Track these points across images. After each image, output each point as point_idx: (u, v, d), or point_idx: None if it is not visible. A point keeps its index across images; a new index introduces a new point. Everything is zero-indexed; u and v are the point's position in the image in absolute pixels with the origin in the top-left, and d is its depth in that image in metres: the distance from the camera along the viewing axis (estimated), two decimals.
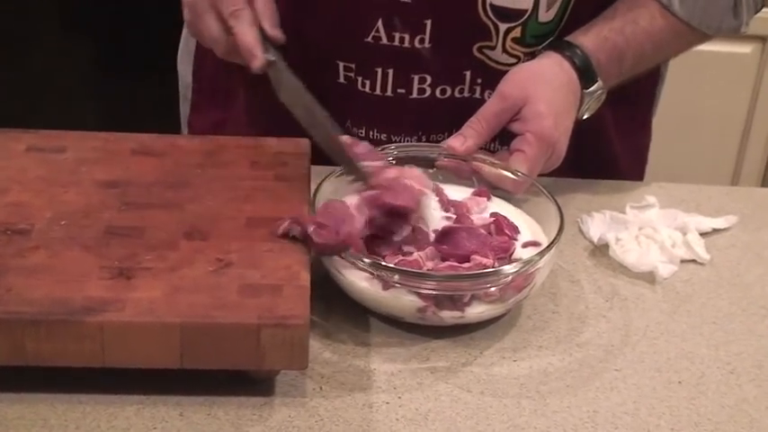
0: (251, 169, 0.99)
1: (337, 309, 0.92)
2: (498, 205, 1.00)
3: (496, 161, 1.02)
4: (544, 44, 1.09)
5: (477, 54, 1.09)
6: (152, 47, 1.51)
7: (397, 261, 0.89)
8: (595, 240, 1.06)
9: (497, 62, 1.09)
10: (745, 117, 2.41)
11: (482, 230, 0.93)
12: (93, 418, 0.80)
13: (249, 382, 0.83)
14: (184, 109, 1.27)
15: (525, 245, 0.94)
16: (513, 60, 1.09)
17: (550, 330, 0.93)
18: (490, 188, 1.01)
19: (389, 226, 0.91)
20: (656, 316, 0.97)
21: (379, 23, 1.07)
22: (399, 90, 1.11)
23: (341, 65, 1.11)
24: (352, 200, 0.93)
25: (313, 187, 0.97)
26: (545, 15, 1.07)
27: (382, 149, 1.02)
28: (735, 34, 1.13)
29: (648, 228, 1.06)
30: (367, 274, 0.89)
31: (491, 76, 1.06)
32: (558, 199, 0.98)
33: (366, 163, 0.96)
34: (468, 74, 1.10)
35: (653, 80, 1.23)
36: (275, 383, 0.84)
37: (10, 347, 0.78)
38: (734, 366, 0.91)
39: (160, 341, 0.79)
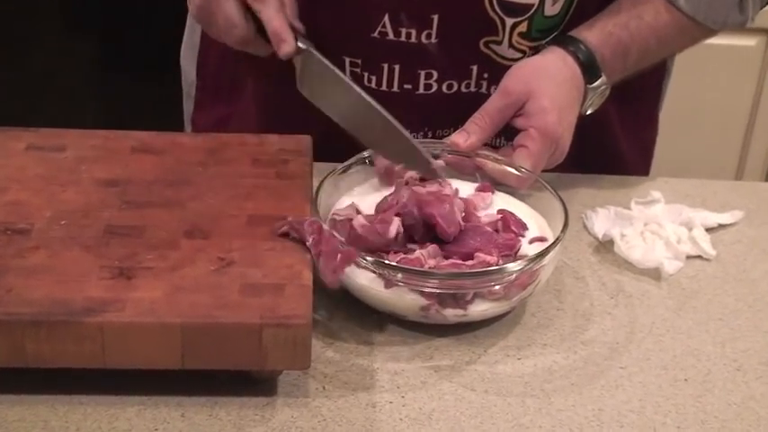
0: (252, 167, 0.98)
1: (339, 307, 0.91)
2: (503, 200, 0.99)
3: (500, 157, 1.01)
4: (549, 38, 1.08)
5: (483, 49, 1.08)
6: (154, 45, 1.50)
7: (398, 259, 0.88)
8: (600, 236, 1.05)
9: (503, 57, 1.08)
10: (750, 110, 2.40)
11: (488, 228, 0.92)
12: (95, 419, 0.79)
13: (251, 383, 0.82)
14: (188, 107, 1.26)
15: (532, 241, 0.93)
16: (519, 55, 1.08)
17: (555, 328, 0.93)
18: (494, 184, 1.00)
19: (413, 230, 0.91)
20: (662, 313, 0.96)
21: (386, 18, 1.06)
22: (406, 85, 1.10)
23: (347, 60, 1.10)
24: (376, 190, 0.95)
25: (315, 184, 0.96)
26: (551, 9, 1.06)
27: None
28: (740, 28, 1.11)
29: (654, 223, 1.05)
30: (369, 273, 0.88)
31: (497, 71, 1.05)
32: (562, 194, 0.97)
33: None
34: (474, 69, 1.09)
35: (659, 75, 1.22)
36: (278, 383, 0.83)
37: (10, 349, 0.77)
38: (740, 363, 0.90)
39: (161, 342, 0.78)
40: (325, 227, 0.88)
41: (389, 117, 0.97)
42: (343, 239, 0.89)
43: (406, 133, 0.97)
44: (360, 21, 1.07)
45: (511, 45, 1.08)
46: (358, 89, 0.97)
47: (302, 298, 0.81)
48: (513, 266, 0.87)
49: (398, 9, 1.06)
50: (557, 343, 0.91)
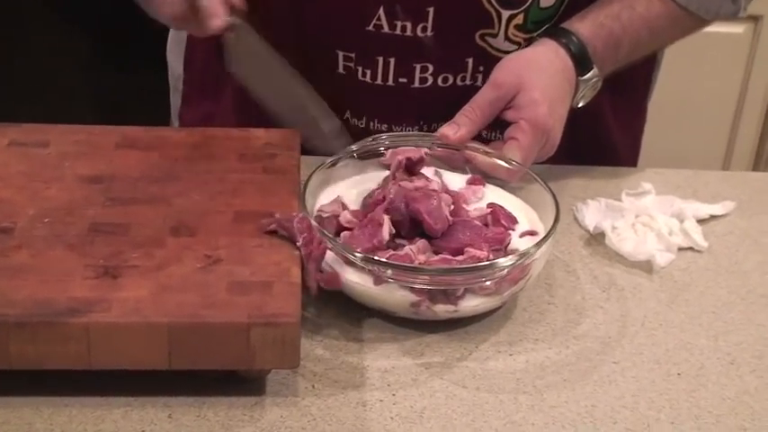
0: (239, 162, 0.97)
1: (328, 304, 0.90)
2: (494, 193, 0.98)
3: (490, 150, 1.00)
4: (547, 27, 1.07)
5: (479, 42, 1.07)
6: (139, 38, 1.48)
7: (388, 255, 0.87)
8: (591, 229, 1.04)
9: (498, 49, 1.07)
10: (737, 98, 2.39)
11: (477, 222, 0.91)
12: (80, 421, 0.78)
13: (239, 382, 0.81)
14: (175, 101, 1.25)
15: (522, 234, 0.92)
16: (514, 47, 1.07)
17: (546, 323, 0.92)
18: (484, 177, 0.99)
19: (400, 226, 0.90)
20: (654, 306, 0.95)
21: (381, 11, 1.05)
22: (401, 79, 1.09)
23: (340, 54, 1.08)
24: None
25: (303, 178, 0.95)
26: (546, 1, 1.05)
27: (374, 139, 1.00)
28: (732, 18, 1.10)
29: (645, 215, 1.04)
30: (358, 269, 0.87)
31: (493, 64, 1.04)
32: (552, 186, 0.96)
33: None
34: (470, 62, 1.08)
35: (649, 66, 1.21)
36: (266, 382, 0.82)
37: None
38: (734, 357, 0.89)
39: (147, 342, 0.77)
40: (314, 224, 0.86)
41: (320, 99, 0.94)
42: (331, 235, 0.88)
43: (335, 117, 0.95)
44: (354, 14, 1.06)
45: (506, 37, 1.06)
46: (291, 68, 0.94)
47: (291, 296, 0.79)
48: (505, 261, 0.86)
49: (393, 2, 1.04)
50: (548, 338, 0.90)
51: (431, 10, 1.04)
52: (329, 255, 0.87)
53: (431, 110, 1.10)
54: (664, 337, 0.91)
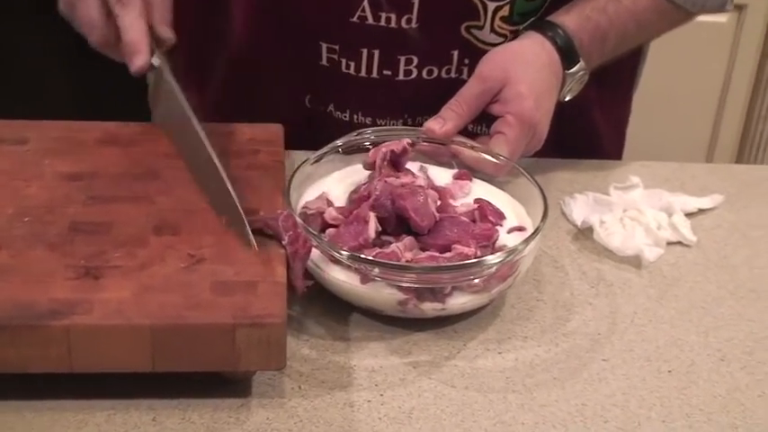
0: (222, 157, 0.95)
1: (314, 302, 0.89)
2: (481, 188, 0.97)
3: (476, 144, 0.99)
4: (528, 22, 1.05)
5: (464, 34, 1.06)
6: None
7: (374, 253, 0.85)
8: (579, 223, 1.03)
9: (484, 42, 1.06)
10: (721, 87, 2.39)
11: (464, 218, 0.90)
12: (62, 425, 0.76)
13: (224, 384, 0.80)
14: None
15: (510, 230, 0.91)
16: (500, 39, 1.06)
17: (535, 320, 0.90)
18: (471, 172, 0.98)
19: (386, 223, 0.88)
20: (644, 302, 0.94)
21: (365, 3, 1.03)
22: (385, 72, 1.07)
23: (324, 46, 1.07)
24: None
25: (287, 173, 0.93)
26: None
27: (358, 133, 0.99)
28: (719, 11, 1.10)
29: (633, 209, 1.03)
30: (344, 267, 0.85)
31: (478, 56, 1.03)
32: (540, 180, 0.95)
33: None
34: (455, 54, 1.07)
35: (635, 58, 1.20)
36: (252, 384, 0.81)
37: None
38: (724, 353, 0.88)
39: (130, 344, 0.75)
40: (299, 221, 0.85)
41: (224, 175, 0.86)
42: (316, 233, 0.86)
43: (236, 199, 0.85)
44: (338, 5, 1.04)
45: (492, 30, 1.05)
46: (202, 133, 0.89)
47: (276, 296, 0.78)
48: (493, 259, 0.84)
49: None
50: (538, 335, 0.89)
51: (416, 1, 1.03)
52: (315, 253, 0.85)
53: (415, 103, 1.09)
54: (654, 333, 0.90)
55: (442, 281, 0.84)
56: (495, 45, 1.05)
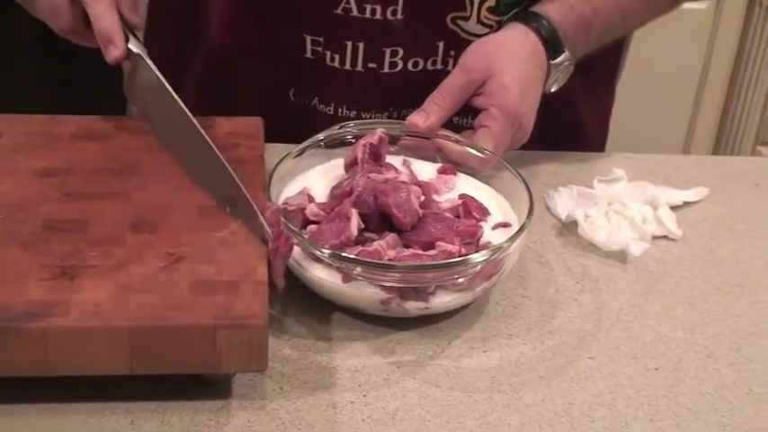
0: None
1: (294, 300, 0.87)
2: (466, 182, 0.95)
3: (461, 138, 0.97)
4: (512, 13, 1.04)
5: (450, 25, 1.04)
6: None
7: (357, 252, 0.83)
8: (563, 217, 1.02)
9: (470, 33, 1.04)
10: (700, 74, 2.38)
11: (448, 214, 0.88)
12: (38, 430, 0.74)
13: (204, 385, 0.78)
14: None
15: (495, 226, 0.90)
16: (486, 30, 1.04)
17: (520, 317, 0.89)
18: (455, 166, 0.96)
19: (368, 220, 0.87)
20: (629, 298, 0.93)
21: None
22: (370, 64, 1.05)
23: (308, 38, 1.05)
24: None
25: (268, 167, 0.91)
26: None
27: (341, 127, 0.97)
28: None
29: (618, 203, 1.02)
30: (326, 265, 0.83)
31: (464, 48, 1.01)
32: (523, 173, 0.94)
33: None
34: (440, 45, 1.05)
35: (618, 47, 1.19)
36: (232, 385, 0.79)
37: None
38: (711, 350, 0.87)
39: (108, 347, 0.73)
40: (282, 220, 0.83)
41: (217, 151, 0.86)
42: (297, 230, 0.85)
43: (234, 175, 0.85)
44: None
45: (479, 20, 1.03)
46: (187, 111, 0.87)
47: (257, 296, 0.76)
48: (478, 257, 0.83)
49: None
50: (523, 333, 0.87)
51: None
52: (296, 250, 0.84)
53: (401, 95, 1.07)
54: (640, 330, 0.89)
55: (425, 280, 0.82)
56: (481, 36, 1.03)
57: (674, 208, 1.04)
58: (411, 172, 0.94)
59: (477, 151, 0.96)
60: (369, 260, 0.82)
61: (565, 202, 1.03)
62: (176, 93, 0.89)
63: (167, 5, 1.04)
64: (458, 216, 0.90)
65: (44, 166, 0.89)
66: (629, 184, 1.06)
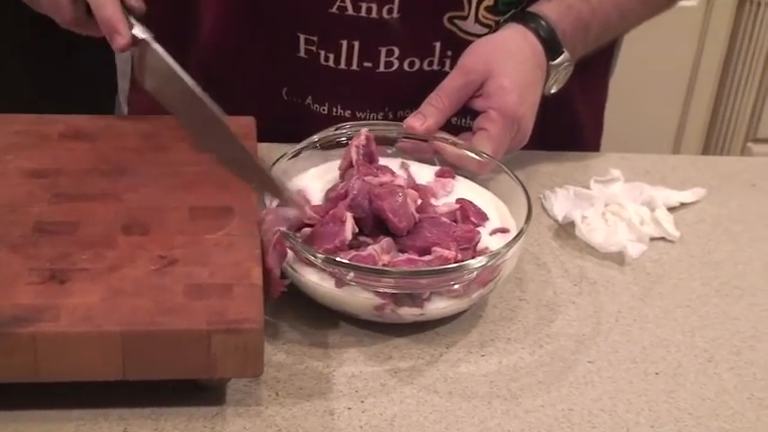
0: (193, 153, 0.91)
1: (288, 304, 0.85)
2: (464, 186, 0.94)
3: (459, 141, 0.95)
4: (511, 13, 1.02)
5: (447, 25, 1.02)
6: None
7: (350, 256, 0.82)
8: (560, 219, 1.00)
9: (468, 32, 1.02)
10: (690, 70, 2.38)
11: (445, 219, 0.87)
12: None
13: (198, 391, 0.76)
14: (123, 85, 1.18)
15: (493, 232, 0.88)
16: (485, 30, 1.03)
17: (518, 320, 0.88)
18: (454, 169, 0.95)
19: (363, 223, 0.85)
20: (628, 300, 0.91)
21: None
22: (366, 63, 1.04)
23: (302, 37, 1.03)
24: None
25: None
26: None
27: (336, 128, 0.95)
28: None
29: (614, 204, 1.01)
30: (319, 270, 0.82)
31: (461, 48, 0.99)
32: (519, 173, 0.93)
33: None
34: (437, 45, 1.03)
35: (611, 44, 1.17)
36: (227, 391, 0.77)
37: None
38: (711, 354, 0.86)
39: (100, 352, 0.71)
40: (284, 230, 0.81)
41: (231, 129, 0.85)
42: (291, 233, 0.83)
43: (253, 153, 0.85)
44: None
45: (477, 20, 1.02)
46: (200, 93, 0.85)
47: (252, 300, 0.75)
48: (474, 263, 0.81)
49: None
50: (521, 337, 0.86)
51: None
52: (289, 254, 0.82)
53: (396, 96, 1.05)
54: (639, 333, 0.88)
55: (420, 286, 0.81)
56: (479, 36, 1.01)
57: (670, 209, 1.03)
58: (409, 175, 0.93)
59: (476, 155, 0.94)
60: (362, 265, 0.80)
61: (561, 203, 1.02)
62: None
63: (159, 5, 1.02)
64: (455, 221, 0.88)
65: (33, 166, 0.88)
66: (626, 184, 1.05)
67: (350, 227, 0.83)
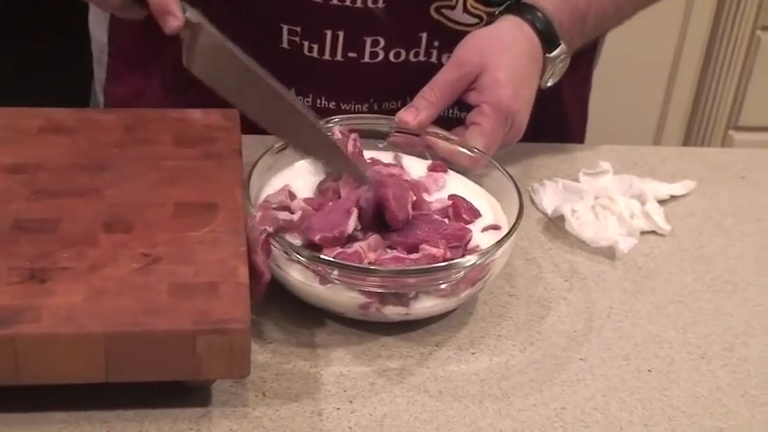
0: (176, 146, 0.89)
1: (273, 303, 0.83)
2: (457, 181, 0.92)
3: (451, 136, 0.94)
4: (504, 5, 1.00)
5: (434, 14, 1.00)
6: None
7: (335, 254, 0.80)
8: (549, 212, 0.99)
9: (456, 23, 1.00)
10: (672, 59, 2.37)
11: (437, 216, 0.85)
12: None
13: (184, 392, 0.74)
14: (99, 74, 1.16)
15: (485, 229, 0.86)
16: (474, 21, 1.00)
17: (509, 317, 0.86)
18: (446, 163, 0.93)
19: (362, 213, 0.83)
20: (619, 296, 0.90)
21: None
22: (350, 54, 1.02)
23: (284, 28, 1.01)
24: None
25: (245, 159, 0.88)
26: None
27: (326, 121, 0.93)
28: None
29: (604, 197, 1.00)
30: (303, 267, 0.80)
31: (449, 39, 0.97)
32: (507, 167, 0.91)
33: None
34: (423, 36, 1.01)
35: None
36: (212, 392, 0.75)
37: None
38: (704, 351, 0.85)
39: (82, 354, 0.69)
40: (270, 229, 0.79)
41: (300, 106, 0.84)
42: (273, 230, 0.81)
43: (323, 127, 0.84)
44: None
45: (465, 9, 1.00)
46: (261, 73, 0.84)
47: (238, 299, 0.73)
48: (462, 262, 0.79)
49: None
50: (512, 334, 0.84)
51: None
52: (272, 250, 0.80)
53: (382, 87, 1.03)
54: (631, 329, 0.86)
55: (406, 285, 0.79)
56: (468, 26, 0.99)
57: (660, 202, 1.02)
58: (402, 167, 0.91)
59: (468, 150, 0.92)
60: (347, 263, 0.78)
61: (550, 196, 1.01)
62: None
63: None
64: (447, 218, 0.86)
65: (12, 161, 0.85)
66: (615, 177, 1.03)
67: (353, 220, 0.81)
